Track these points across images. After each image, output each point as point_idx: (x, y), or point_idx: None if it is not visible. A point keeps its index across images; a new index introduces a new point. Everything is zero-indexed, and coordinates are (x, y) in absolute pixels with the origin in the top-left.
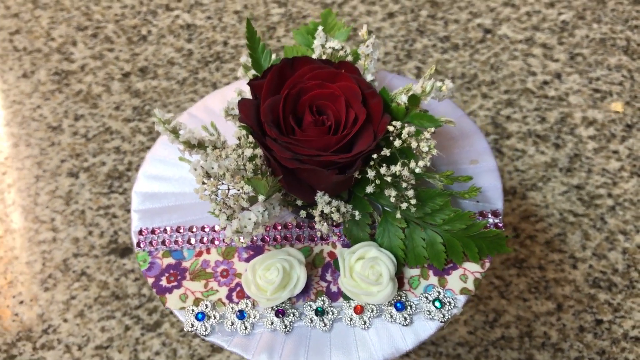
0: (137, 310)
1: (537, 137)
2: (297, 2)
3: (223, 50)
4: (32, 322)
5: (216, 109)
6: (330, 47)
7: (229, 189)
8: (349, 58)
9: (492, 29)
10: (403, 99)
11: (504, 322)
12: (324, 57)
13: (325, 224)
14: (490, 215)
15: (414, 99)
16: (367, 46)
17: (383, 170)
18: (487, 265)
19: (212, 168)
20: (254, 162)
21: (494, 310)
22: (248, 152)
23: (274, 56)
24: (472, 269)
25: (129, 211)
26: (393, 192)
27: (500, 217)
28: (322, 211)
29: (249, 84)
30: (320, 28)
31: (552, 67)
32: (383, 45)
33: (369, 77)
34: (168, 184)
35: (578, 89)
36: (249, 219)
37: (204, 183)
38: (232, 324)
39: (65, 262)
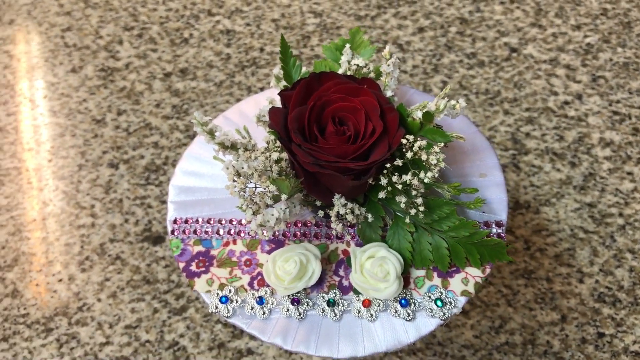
0: (166, 295)
1: (554, 154)
2: (332, 13)
3: (259, 56)
4: (69, 299)
5: (249, 114)
6: (355, 64)
7: (256, 187)
8: (372, 75)
9: (518, 48)
10: (418, 115)
11: (509, 329)
12: (349, 73)
13: (340, 223)
14: (494, 225)
15: (428, 116)
16: (389, 65)
17: (395, 178)
18: (488, 271)
19: (242, 168)
20: (279, 164)
21: (500, 317)
22: (275, 155)
23: (304, 69)
24: (474, 273)
25: (163, 202)
26: (403, 199)
27: (504, 228)
28: (337, 212)
29: (279, 94)
30: (347, 46)
31: (573, 87)
32: (412, 59)
33: (388, 93)
34: (202, 180)
35: (598, 111)
36: (272, 215)
37: (234, 181)
38: (252, 308)
39: (102, 247)
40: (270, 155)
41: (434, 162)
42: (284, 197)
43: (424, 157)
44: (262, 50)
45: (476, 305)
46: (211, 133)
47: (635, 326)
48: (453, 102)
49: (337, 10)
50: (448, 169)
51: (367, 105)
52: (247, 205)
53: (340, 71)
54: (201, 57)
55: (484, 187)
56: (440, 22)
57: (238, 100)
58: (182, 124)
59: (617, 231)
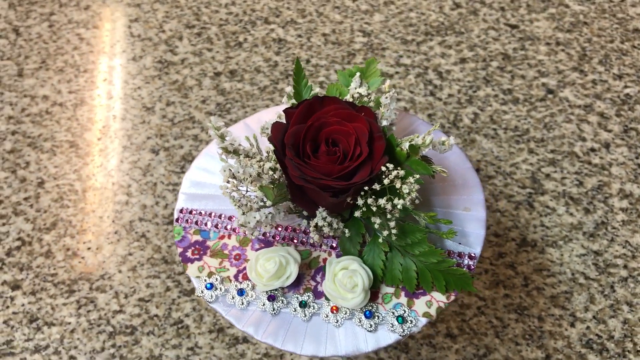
0: (179, 276)
1: (571, 199)
2: (380, 34)
3: (304, 67)
4: (93, 267)
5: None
6: (358, 92)
7: (247, 191)
8: (371, 104)
9: (555, 90)
10: (406, 146)
11: (492, 359)
12: (351, 99)
13: (317, 234)
14: (467, 257)
15: (413, 148)
16: (387, 98)
17: (370, 201)
18: (452, 297)
19: (239, 172)
20: (274, 173)
21: (486, 347)
22: (268, 164)
23: (318, 89)
24: (439, 298)
25: None
26: (378, 220)
27: (475, 261)
28: (317, 224)
29: (284, 110)
30: (358, 74)
31: (603, 136)
32: (448, 87)
33: (384, 123)
34: (212, 177)
35: (623, 162)
36: (254, 218)
37: (227, 182)
38: (233, 298)
39: (131, 224)
40: (263, 164)
41: (407, 191)
42: (268, 203)
43: (397, 185)
44: (308, 61)
45: (465, 332)
46: (222, 137)
47: None
48: (444, 138)
49: (386, 32)
50: (435, 198)
51: (359, 131)
52: (237, 206)
53: (347, 97)
54: (251, 61)
55: (466, 220)
56: (483, 55)
57: (277, 105)
58: (222, 121)
59: (619, 282)
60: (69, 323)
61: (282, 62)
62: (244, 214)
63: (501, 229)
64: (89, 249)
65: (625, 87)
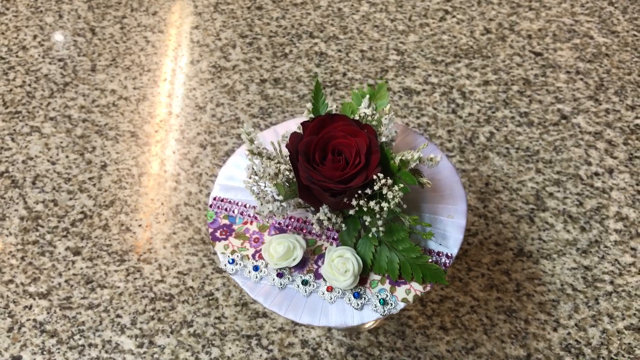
0: (214, 256)
1: (569, 217)
2: (412, 53)
3: (340, 79)
4: (142, 241)
5: (293, 129)
6: (364, 112)
7: (265, 186)
8: (374, 123)
9: (569, 115)
10: (398, 160)
11: (478, 353)
12: (358, 117)
13: (318, 226)
14: (444, 257)
15: (403, 162)
16: (386, 119)
17: (362, 202)
18: (428, 288)
19: (260, 170)
20: (288, 174)
21: (474, 341)
22: (284, 167)
23: (334, 105)
24: (417, 287)
25: None
26: (368, 218)
27: (451, 260)
28: (319, 218)
29: (302, 123)
30: (367, 96)
31: (608, 162)
32: (469, 107)
33: (382, 139)
34: (243, 172)
35: (623, 187)
36: (267, 208)
37: (250, 178)
38: (249, 272)
39: (177, 207)
40: (280, 166)
41: (391, 197)
42: (280, 197)
43: (384, 191)
44: (344, 74)
45: (457, 326)
46: (251, 140)
47: None
48: (432, 155)
49: (418, 52)
50: (423, 203)
51: (359, 144)
52: (256, 197)
53: (357, 114)
54: (294, 71)
55: (448, 225)
56: (505, 79)
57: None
58: (263, 123)
59: (603, 296)
60: (118, 287)
61: (321, 74)
62: (261, 204)
63: (501, 239)
64: (139, 225)
65: (637, 117)
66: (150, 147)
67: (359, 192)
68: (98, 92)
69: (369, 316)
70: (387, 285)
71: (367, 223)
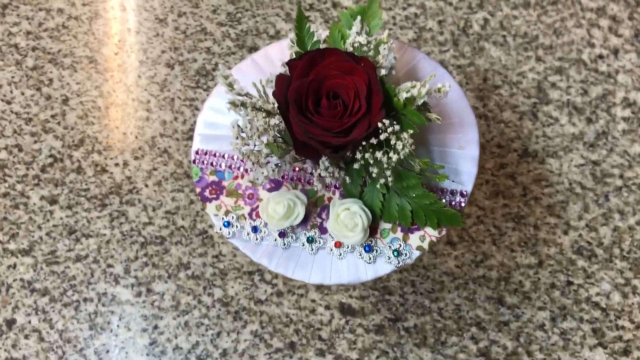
0: None
1: (574, 108)
2: None
3: None
4: (122, 181)
5: (275, 59)
6: (358, 42)
7: (255, 145)
8: (371, 53)
9: None
10: (403, 96)
11: (488, 265)
12: (351, 48)
13: (320, 183)
14: (458, 195)
15: (410, 100)
16: (385, 48)
17: (367, 155)
18: (443, 232)
19: (246, 127)
20: (279, 127)
21: (483, 253)
22: (273, 121)
23: (322, 33)
24: (431, 232)
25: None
26: (375, 170)
27: (466, 198)
28: (319, 174)
29: (287, 63)
30: (359, 18)
31: (613, 41)
32: None
33: (382, 72)
34: (224, 117)
35: (630, 69)
36: (262, 174)
37: (237, 138)
38: (248, 234)
39: (153, 139)
40: (269, 121)
41: (400, 147)
42: (274, 159)
43: (393, 141)
44: None
45: (464, 240)
46: (230, 85)
47: (602, 280)
48: (439, 85)
49: None
50: (432, 137)
51: (358, 85)
52: (247, 159)
53: (348, 40)
54: None
55: (460, 158)
56: None
57: (287, 14)
58: (233, 32)
59: (613, 191)
60: (104, 235)
61: None
62: (253, 164)
63: (504, 139)
64: (116, 164)
65: None
66: (113, 72)
67: (363, 143)
68: (43, 13)
69: (383, 269)
70: (399, 234)
71: (373, 174)
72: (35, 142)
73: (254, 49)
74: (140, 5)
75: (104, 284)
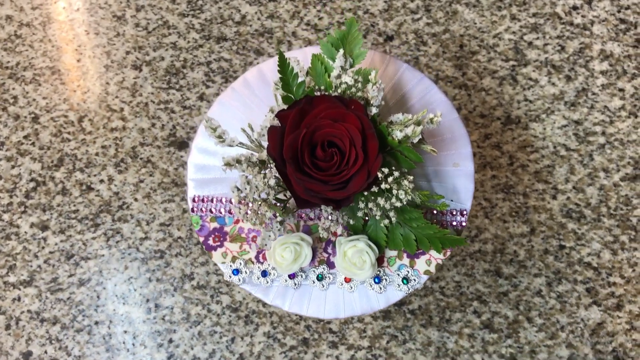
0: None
1: (553, 67)
2: None
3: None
4: (110, 198)
5: (255, 85)
6: (344, 83)
7: (259, 208)
8: (359, 86)
9: None
10: (397, 135)
11: (483, 239)
12: (339, 87)
13: (325, 232)
14: (458, 215)
15: (405, 138)
16: (374, 90)
17: (371, 204)
18: (448, 253)
19: (245, 189)
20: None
21: (477, 228)
22: (272, 181)
23: (305, 50)
24: (436, 255)
25: (184, 107)
26: (379, 213)
27: (466, 216)
28: (323, 226)
29: (277, 115)
30: (341, 52)
31: None
32: None
33: (373, 110)
34: (214, 158)
35: (605, 18)
36: (269, 236)
37: (239, 203)
38: (258, 278)
39: (134, 150)
40: (267, 181)
41: (402, 196)
42: (279, 218)
43: (394, 191)
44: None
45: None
46: (220, 137)
47: (592, 240)
48: (431, 116)
49: None
50: (427, 157)
51: (352, 132)
52: (252, 223)
53: (333, 74)
54: None
55: (455, 176)
56: None
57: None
58: (197, 22)
59: (597, 150)
60: (103, 255)
61: None
62: (254, 224)
63: (486, 108)
64: (101, 181)
65: None
66: (79, 82)
67: (365, 194)
68: None
69: (394, 296)
70: (405, 260)
71: (377, 218)
72: (13, 167)
73: (221, 39)
74: (93, 2)
75: (111, 304)
